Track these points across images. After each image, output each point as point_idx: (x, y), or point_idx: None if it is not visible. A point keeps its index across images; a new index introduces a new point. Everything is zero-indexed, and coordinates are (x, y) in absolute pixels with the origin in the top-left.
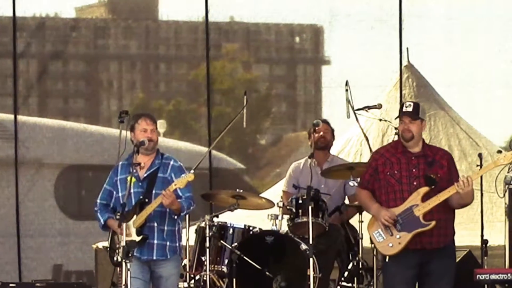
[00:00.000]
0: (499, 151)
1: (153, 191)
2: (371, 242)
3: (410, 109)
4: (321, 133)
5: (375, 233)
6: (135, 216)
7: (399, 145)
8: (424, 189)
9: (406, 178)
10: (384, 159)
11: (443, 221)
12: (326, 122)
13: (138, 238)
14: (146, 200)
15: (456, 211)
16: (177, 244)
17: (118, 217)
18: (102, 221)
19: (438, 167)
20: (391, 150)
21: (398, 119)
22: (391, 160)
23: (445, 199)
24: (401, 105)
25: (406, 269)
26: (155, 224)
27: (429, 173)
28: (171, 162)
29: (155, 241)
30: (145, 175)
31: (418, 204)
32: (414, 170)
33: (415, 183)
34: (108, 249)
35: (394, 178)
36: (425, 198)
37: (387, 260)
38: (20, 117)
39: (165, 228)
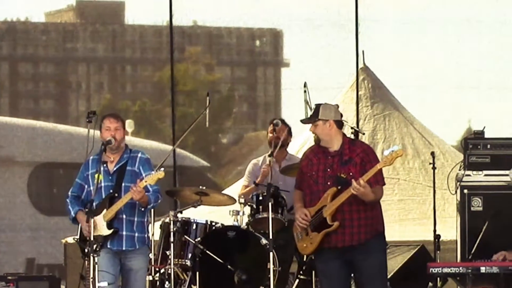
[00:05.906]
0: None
1: (123, 184)
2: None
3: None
4: (274, 133)
5: (297, 233)
6: (105, 210)
7: (321, 145)
8: (332, 190)
9: (322, 178)
10: (308, 160)
11: (355, 220)
12: (282, 121)
13: (109, 232)
14: (116, 194)
15: (410, 207)
16: (146, 235)
17: (87, 210)
18: (72, 213)
19: (352, 166)
20: (315, 150)
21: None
22: (313, 161)
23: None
24: None
25: (328, 263)
26: (124, 216)
27: (341, 172)
28: (139, 155)
29: (124, 233)
30: (115, 169)
31: (327, 205)
32: (328, 170)
33: (329, 183)
34: (77, 240)
35: (312, 179)
36: (335, 198)
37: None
38: None
39: (135, 219)
